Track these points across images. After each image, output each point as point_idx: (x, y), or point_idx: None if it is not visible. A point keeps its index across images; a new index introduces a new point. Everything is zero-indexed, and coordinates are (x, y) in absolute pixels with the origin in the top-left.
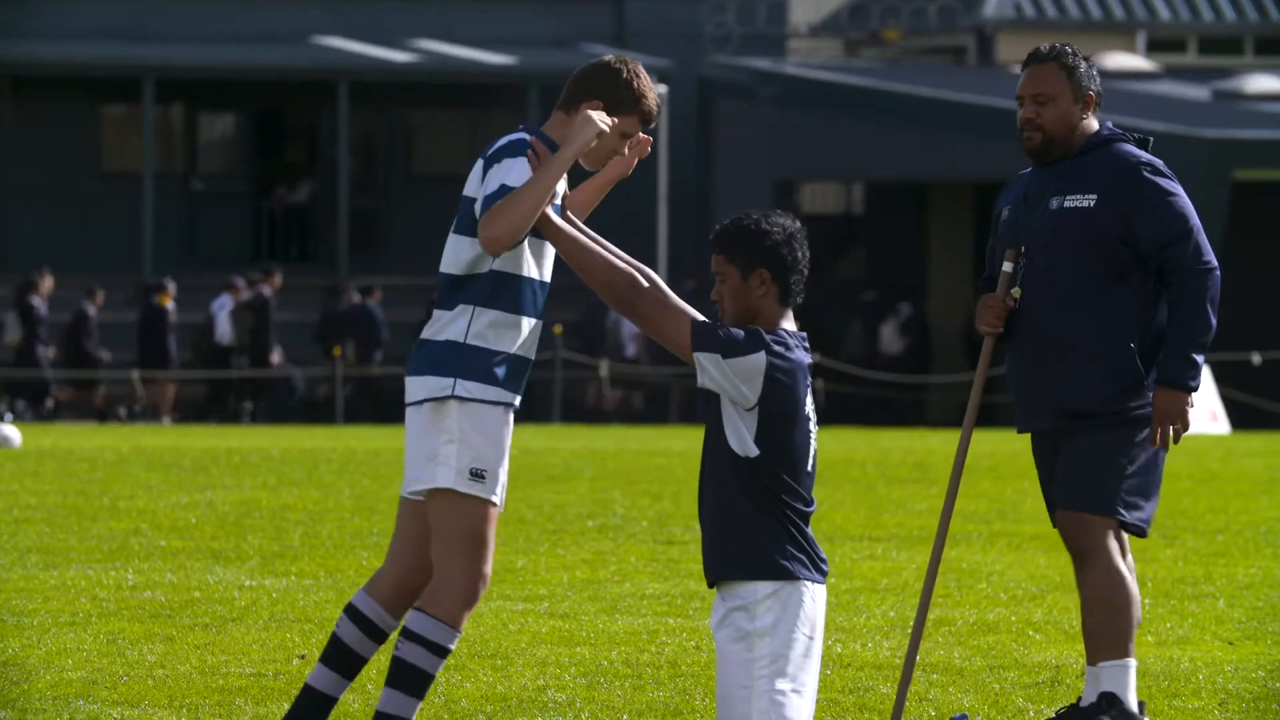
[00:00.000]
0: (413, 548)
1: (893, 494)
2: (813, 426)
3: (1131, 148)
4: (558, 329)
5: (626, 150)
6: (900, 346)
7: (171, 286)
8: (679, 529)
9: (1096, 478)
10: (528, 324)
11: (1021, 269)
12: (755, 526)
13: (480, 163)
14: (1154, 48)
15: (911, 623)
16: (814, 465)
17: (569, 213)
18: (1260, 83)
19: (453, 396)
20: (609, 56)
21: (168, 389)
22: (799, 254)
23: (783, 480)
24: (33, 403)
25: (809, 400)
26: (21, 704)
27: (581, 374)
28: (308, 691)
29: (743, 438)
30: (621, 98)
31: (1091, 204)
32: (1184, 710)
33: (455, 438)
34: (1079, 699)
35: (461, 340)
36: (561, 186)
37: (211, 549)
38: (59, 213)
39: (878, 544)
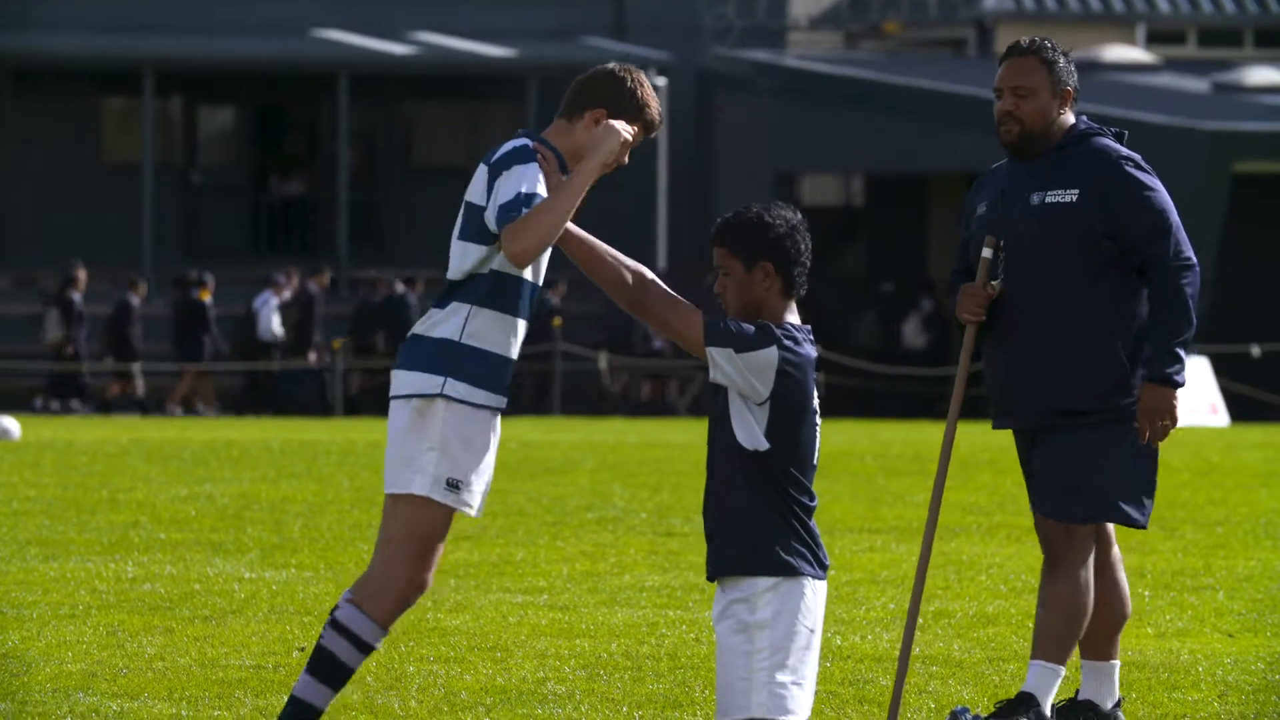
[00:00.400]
0: None
1: (892, 486)
2: (818, 420)
3: (1110, 142)
4: (556, 321)
5: (626, 159)
6: (924, 342)
7: (211, 280)
8: (679, 521)
9: (1082, 483)
10: (520, 326)
11: (1001, 262)
12: (759, 521)
13: (483, 168)
14: (1154, 40)
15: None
16: (816, 459)
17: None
18: (1260, 75)
19: (441, 395)
20: (612, 65)
21: (208, 382)
22: (802, 246)
23: (790, 474)
24: (76, 398)
25: (815, 394)
26: (21, 696)
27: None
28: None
29: (752, 432)
30: (625, 107)
31: (1074, 199)
32: (1183, 702)
33: (436, 445)
34: (1076, 692)
35: (456, 339)
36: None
37: (211, 541)
38: (58, 205)
39: (877, 536)
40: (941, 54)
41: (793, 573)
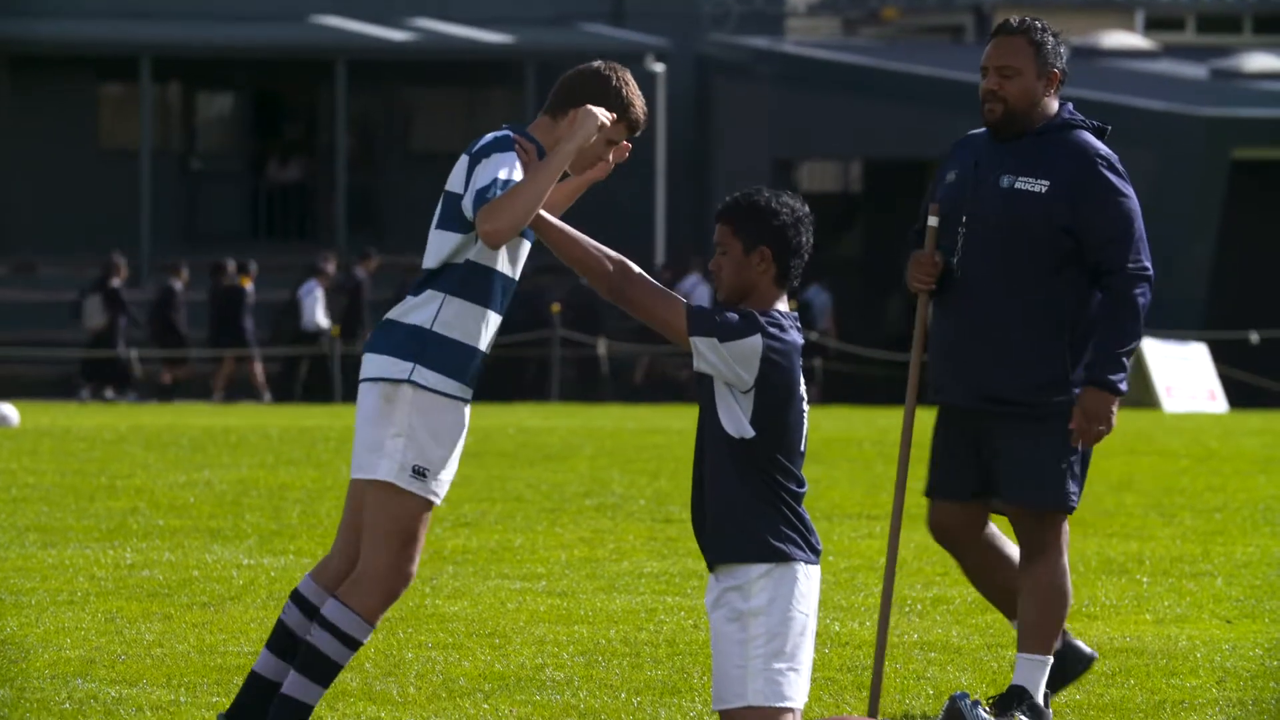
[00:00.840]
0: (359, 535)
1: (890, 472)
2: (805, 407)
3: (1090, 137)
4: (555, 307)
5: (611, 157)
6: None
7: (254, 267)
8: (677, 507)
9: (1051, 473)
10: (493, 319)
11: (961, 237)
12: (749, 508)
13: (465, 159)
14: (1152, 26)
15: (907, 601)
16: (804, 445)
17: (543, 211)
18: (1258, 61)
19: (409, 381)
20: (597, 63)
21: (255, 369)
22: (804, 239)
23: (778, 461)
24: (119, 385)
25: (802, 380)
26: (19, 682)
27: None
28: (253, 678)
29: (738, 420)
30: (610, 105)
31: (1043, 190)
32: (1181, 688)
33: (403, 431)
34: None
35: (428, 326)
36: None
37: (210, 528)
38: (57, 191)
39: (875, 522)
40: (940, 40)
41: (785, 558)
